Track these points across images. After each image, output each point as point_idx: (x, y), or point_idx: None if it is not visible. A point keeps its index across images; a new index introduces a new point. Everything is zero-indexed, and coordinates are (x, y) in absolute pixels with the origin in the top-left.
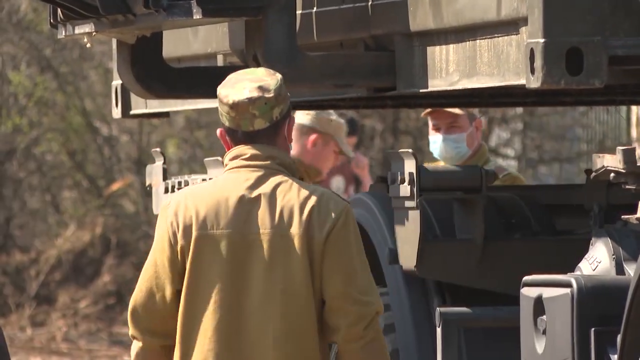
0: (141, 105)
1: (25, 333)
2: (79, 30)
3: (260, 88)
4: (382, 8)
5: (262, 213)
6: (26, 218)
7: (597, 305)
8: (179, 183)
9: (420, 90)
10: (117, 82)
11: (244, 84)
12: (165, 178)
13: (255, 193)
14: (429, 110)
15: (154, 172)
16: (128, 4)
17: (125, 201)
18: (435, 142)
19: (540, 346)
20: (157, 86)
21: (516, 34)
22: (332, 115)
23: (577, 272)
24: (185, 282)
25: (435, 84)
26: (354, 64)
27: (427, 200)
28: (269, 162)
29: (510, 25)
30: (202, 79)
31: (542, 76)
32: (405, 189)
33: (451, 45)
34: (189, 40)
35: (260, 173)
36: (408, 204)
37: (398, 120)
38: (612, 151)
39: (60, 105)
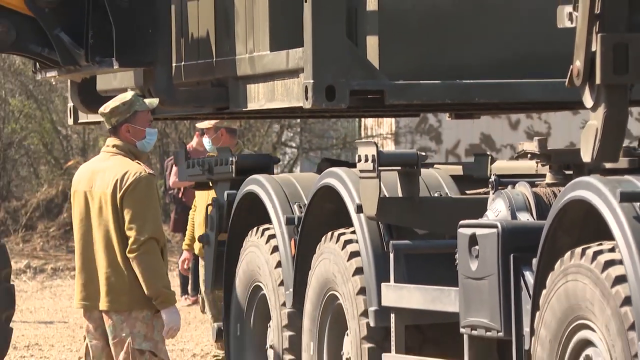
0: (84, 117)
1: (19, 246)
2: (49, 74)
3: (105, 107)
4: (221, 63)
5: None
6: (19, 181)
7: (514, 240)
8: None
9: (243, 109)
10: (70, 104)
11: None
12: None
13: (100, 166)
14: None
15: (179, 154)
16: (76, 59)
17: (74, 170)
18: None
19: (474, 265)
20: (93, 106)
21: (297, 77)
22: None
23: (484, 218)
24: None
25: (251, 105)
26: (205, 94)
27: (381, 172)
28: (112, 147)
29: (294, 72)
30: None
31: (312, 102)
32: (368, 165)
33: (260, 84)
34: (111, 79)
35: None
36: (370, 175)
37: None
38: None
39: (38, 117)
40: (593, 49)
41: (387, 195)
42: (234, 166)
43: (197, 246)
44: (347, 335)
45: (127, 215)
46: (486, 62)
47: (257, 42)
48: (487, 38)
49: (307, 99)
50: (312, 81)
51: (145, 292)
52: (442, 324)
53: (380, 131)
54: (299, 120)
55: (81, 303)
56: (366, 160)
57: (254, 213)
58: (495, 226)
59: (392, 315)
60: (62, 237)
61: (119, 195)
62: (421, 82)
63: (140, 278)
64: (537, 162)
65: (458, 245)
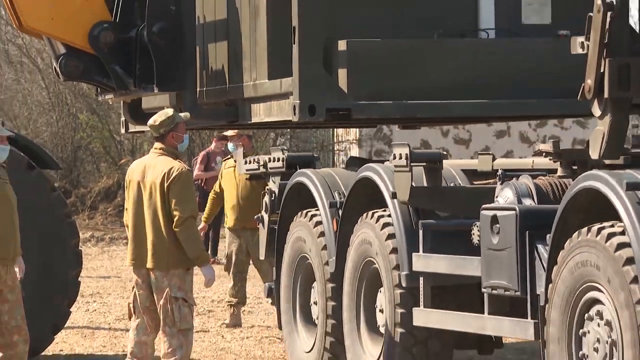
0: (132, 128)
1: (85, 222)
2: (107, 96)
3: (154, 120)
4: (232, 88)
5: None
6: (85, 174)
7: (529, 220)
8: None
9: (248, 122)
10: (123, 118)
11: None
12: (244, 156)
13: (150, 162)
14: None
15: (238, 153)
16: (127, 86)
17: (126, 167)
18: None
19: (495, 240)
20: (139, 120)
21: (288, 99)
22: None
23: (496, 203)
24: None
25: (254, 119)
26: (221, 111)
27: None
28: (159, 149)
29: (285, 95)
30: None
31: (298, 117)
32: (402, 162)
33: (261, 104)
34: (153, 100)
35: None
36: (404, 169)
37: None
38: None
39: (99, 128)
40: (602, 70)
41: (416, 185)
42: (284, 162)
43: (230, 220)
44: (380, 292)
45: (172, 200)
46: (425, 88)
47: (259, 73)
48: (425, 71)
49: (295, 114)
50: (298, 102)
51: (188, 255)
52: (463, 285)
53: (348, 137)
54: (289, 129)
55: (132, 262)
56: (400, 158)
57: (300, 199)
58: (513, 209)
59: (421, 278)
60: (116, 215)
61: (166, 185)
62: (378, 102)
63: (184, 245)
64: (550, 159)
65: (481, 224)
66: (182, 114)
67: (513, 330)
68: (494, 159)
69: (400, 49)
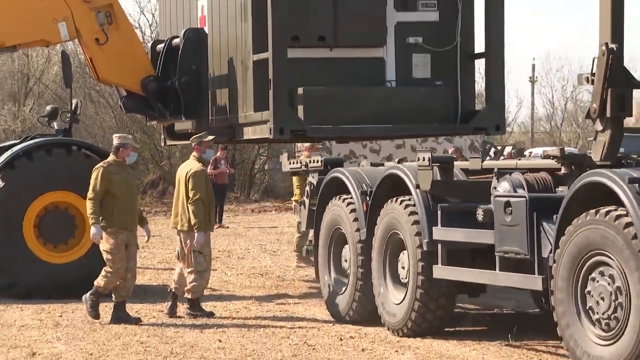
0: (169, 142)
1: (140, 200)
2: (152, 122)
3: (193, 138)
4: (231, 117)
5: (181, 170)
6: (139, 172)
7: (535, 204)
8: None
9: (241, 139)
10: (162, 135)
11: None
12: (288, 158)
13: (186, 164)
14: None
15: (283, 156)
16: (165, 116)
17: (166, 167)
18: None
19: (507, 218)
20: (173, 137)
21: (266, 124)
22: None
23: (496, 192)
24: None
25: (245, 137)
26: (224, 131)
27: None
28: (193, 156)
29: (265, 122)
30: (188, 136)
31: (273, 135)
32: (425, 162)
33: (249, 127)
34: (181, 124)
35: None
36: (427, 168)
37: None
38: None
39: (148, 142)
40: (604, 97)
41: (434, 179)
42: (322, 163)
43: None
44: (403, 254)
45: (189, 187)
46: (352, 118)
47: (247, 108)
48: (352, 107)
49: (270, 134)
50: (272, 126)
51: (191, 222)
52: (474, 250)
53: (303, 148)
54: (267, 144)
55: (172, 226)
56: (424, 160)
57: (334, 188)
58: (524, 196)
59: (439, 245)
60: (159, 198)
61: (186, 178)
62: (322, 126)
63: (190, 215)
64: (555, 161)
65: (494, 206)
66: (209, 137)
67: (522, 282)
68: (482, 161)
69: (336, 93)
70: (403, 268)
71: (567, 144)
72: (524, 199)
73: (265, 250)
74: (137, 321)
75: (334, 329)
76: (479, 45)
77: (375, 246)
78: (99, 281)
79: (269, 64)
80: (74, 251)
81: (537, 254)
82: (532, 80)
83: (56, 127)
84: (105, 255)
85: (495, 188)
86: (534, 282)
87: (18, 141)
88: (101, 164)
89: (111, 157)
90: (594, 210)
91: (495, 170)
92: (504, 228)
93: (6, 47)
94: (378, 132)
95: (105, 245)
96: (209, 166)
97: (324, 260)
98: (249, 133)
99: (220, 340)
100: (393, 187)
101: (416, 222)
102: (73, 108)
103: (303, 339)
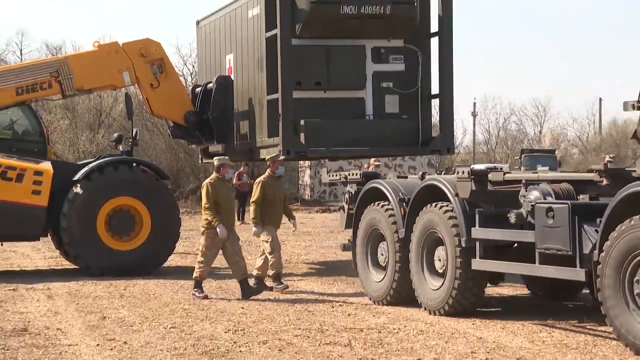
0: (205, 160)
1: (183, 203)
2: (193, 145)
3: (268, 158)
4: (251, 142)
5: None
6: (182, 182)
7: (578, 211)
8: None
9: (259, 158)
10: (200, 155)
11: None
12: (327, 172)
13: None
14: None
15: (323, 171)
16: (202, 141)
17: (202, 179)
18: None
19: (549, 221)
20: (208, 156)
21: (277, 146)
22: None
23: (527, 199)
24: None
25: (261, 156)
26: (246, 153)
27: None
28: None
29: (276, 145)
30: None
31: (283, 156)
32: (465, 175)
33: (264, 149)
34: (214, 147)
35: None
36: (466, 180)
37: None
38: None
39: (189, 160)
40: None
41: (472, 189)
42: (362, 175)
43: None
44: (438, 249)
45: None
46: (342, 142)
47: (263, 135)
48: (342, 134)
49: (281, 154)
50: (281, 148)
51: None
52: (510, 246)
53: (305, 165)
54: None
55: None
56: (463, 173)
57: (372, 197)
58: (566, 203)
59: (477, 242)
60: (197, 202)
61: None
62: (319, 148)
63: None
64: (598, 174)
65: (536, 212)
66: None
67: (565, 273)
68: (504, 174)
69: (329, 124)
70: (439, 260)
71: (499, 161)
72: (566, 205)
73: None
74: (263, 290)
75: (328, 299)
76: (435, 88)
77: (414, 242)
78: (195, 272)
79: (279, 102)
80: (134, 241)
81: (579, 251)
82: (474, 114)
83: (121, 149)
84: (201, 249)
85: (523, 196)
86: (577, 274)
87: (93, 160)
88: (208, 180)
89: (214, 175)
90: (638, 216)
91: (524, 181)
92: (545, 229)
93: (85, 90)
94: (361, 152)
95: (204, 240)
96: (234, 178)
97: (362, 255)
98: (264, 153)
99: (242, 307)
100: (429, 196)
101: (455, 225)
102: (134, 135)
103: (304, 306)
